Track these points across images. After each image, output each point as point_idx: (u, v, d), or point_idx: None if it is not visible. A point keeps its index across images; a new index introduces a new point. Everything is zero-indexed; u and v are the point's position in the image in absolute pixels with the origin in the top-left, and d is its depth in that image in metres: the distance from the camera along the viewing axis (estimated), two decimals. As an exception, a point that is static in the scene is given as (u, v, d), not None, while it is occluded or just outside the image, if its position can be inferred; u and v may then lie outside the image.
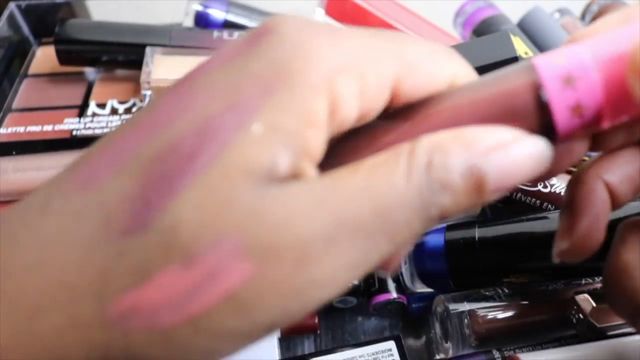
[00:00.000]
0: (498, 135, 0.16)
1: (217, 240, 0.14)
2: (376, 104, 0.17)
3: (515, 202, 0.33)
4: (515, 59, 0.33)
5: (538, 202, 0.33)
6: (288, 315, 0.15)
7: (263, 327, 0.15)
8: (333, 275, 0.15)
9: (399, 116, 0.17)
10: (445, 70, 0.18)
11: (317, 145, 0.16)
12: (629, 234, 0.20)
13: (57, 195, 0.15)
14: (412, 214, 0.15)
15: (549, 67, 0.16)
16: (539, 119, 0.16)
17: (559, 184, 0.33)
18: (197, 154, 0.15)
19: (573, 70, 0.16)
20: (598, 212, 0.19)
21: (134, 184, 0.15)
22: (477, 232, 0.31)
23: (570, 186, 0.20)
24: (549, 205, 0.33)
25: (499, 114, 0.16)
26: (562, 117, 0.16)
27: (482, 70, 0.34)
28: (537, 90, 0.16)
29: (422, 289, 0.33)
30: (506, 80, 0.17)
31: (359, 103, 0.16)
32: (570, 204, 0.20)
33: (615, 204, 0.20)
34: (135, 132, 0.16)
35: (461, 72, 0.18)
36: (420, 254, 0.32)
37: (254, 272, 0.15)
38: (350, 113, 0.16)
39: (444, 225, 0.33)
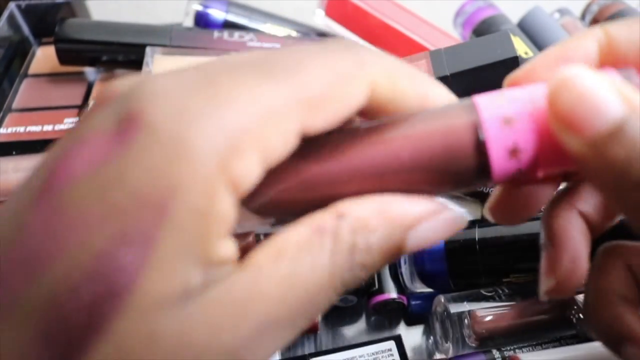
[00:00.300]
0: (422, 209, 0.16)
1: None
2: (282, 155, 0.15)
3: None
4: (515, 59, 0.33)
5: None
6: None
7: None
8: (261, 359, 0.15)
9: (321, 146, 0.16)
10: (355, 96, 0.16)
11: (222, 239, 0.15)
12: (607, 261, 0.20)
13: None
14: (332, 294, 0.16)
15: (490, 107, 0.16)
16: (476, 158, 0.16)
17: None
18: (99, 302, 0.13)
19: (512, 113, 0.16)
20: (578, 245, 0.19)
21: (33, 340, 0.13)
22: (477, 233, 0.31)
23: (546, 220, 0.19)
24: (549, 206, 0.33)
25: (436, 151, 0.16)
26: (497, 157, 0.16)
27: (482, 70, 0.35)
28: (475, 129, 0.16)
29: (422, 289, 0.33)
30: (445, 117, 0.16)
31: (262, 166, 0.15)
32: (548, 239, 0.19)
33: (593, 232, 0.19)
34: (8, 269, 0.14)
35: (381, 81, 0.17)
36: (420, 254, 0.32)
37: None
38: (253, 179, 0.15)
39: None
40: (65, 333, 0.13)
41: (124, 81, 0.16)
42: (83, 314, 0.13)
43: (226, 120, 0.14)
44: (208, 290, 0.14)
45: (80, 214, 0.14)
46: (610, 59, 0.18)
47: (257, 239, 0.39)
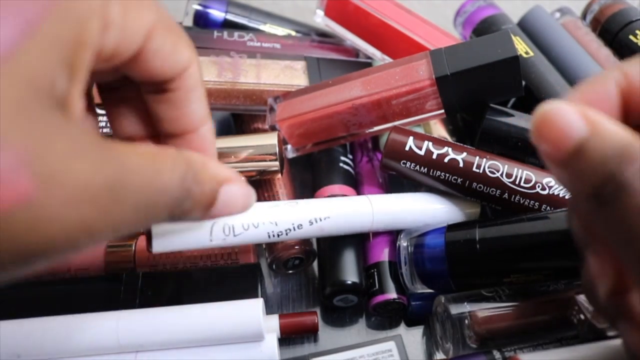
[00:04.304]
0: (232, 174, 0.23)
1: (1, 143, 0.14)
2: (130, 44, 0.20)
3: (514, 205, 0.33)
4: (515, 59, 0.33)
5: (537, 204, 0.33)
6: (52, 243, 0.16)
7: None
8: (106, 228, 0.17)
9: None
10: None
11: (84, 69, 0.18)
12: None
13: None
14: (167, 201, 0.20)
15: None
16: None
17: (557, 186, 0.33)
18: None
19: None
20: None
21: None
22: (478, 233, 0.31)
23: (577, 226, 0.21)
24: (548, 208, 0.33)
25: None
26: None
27: (482, 69, 0.35)
28: None
29: (422, 289, 0.33)
30: None
31: (119, 34, 0.19)
32: (587, 247, 0.20)
33: None
34: None
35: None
36: (420, 255, 0.32)
37: (34, 193, 0.15)
38: (111, 40, 0.19)
39: (444, 225, 0.33)
40: None
41: None
42: None
43: None
44: (74, 123, 0.17)
45: None
46: (631, 99, 0.20)
47: (258, 246, 0.39)
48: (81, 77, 0.18)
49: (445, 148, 0.34)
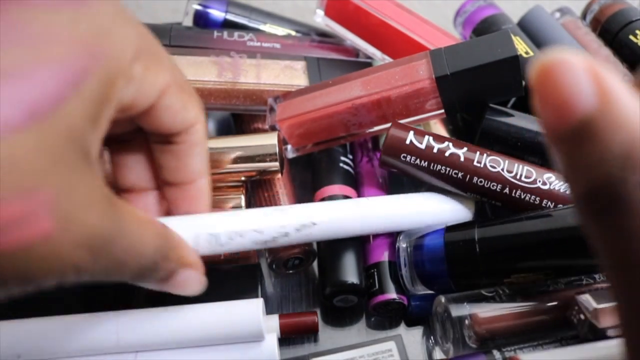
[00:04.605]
0: (198, 260, 0.27)
1: (33, 190, 0.17)
2: (146, 99, 0.22)
3: (514, 200, 0.33)
4: (515, 58, 0.33)
5: (537, 199, 0.33)
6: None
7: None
8: (90, 272, 0.20)
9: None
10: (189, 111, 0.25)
11: (107, 122, 0.20)
12: None
13: None
14: (137, 265, 0.22)
15: None
16: None
17: (558, 182, 0.33)
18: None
19: None
20: None
21: None
22: (477, 233, 0.31)
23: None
24: (549, 203, 0.33)
25: None
26: None
27: (482, 69, 0.35)
28: None
29: (423, 291, 0.33)
30: None
31: (137, 89, 0.21)
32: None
33: None
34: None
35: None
36: (420, 256, 0.32)
37: (53, 232, 0.17)
38: (129, 94, 0.21)
39: (443, 226, 0.33)
40: None
41: None
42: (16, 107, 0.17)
43: (139, 32, 0.22)
44: (92, 174, 0.19)
45: (30, 32, 0.17)
46: None
47: (258, 254, 0.39)
48: (103, 128, 0.20)
49: (446, 143, 0.34)
